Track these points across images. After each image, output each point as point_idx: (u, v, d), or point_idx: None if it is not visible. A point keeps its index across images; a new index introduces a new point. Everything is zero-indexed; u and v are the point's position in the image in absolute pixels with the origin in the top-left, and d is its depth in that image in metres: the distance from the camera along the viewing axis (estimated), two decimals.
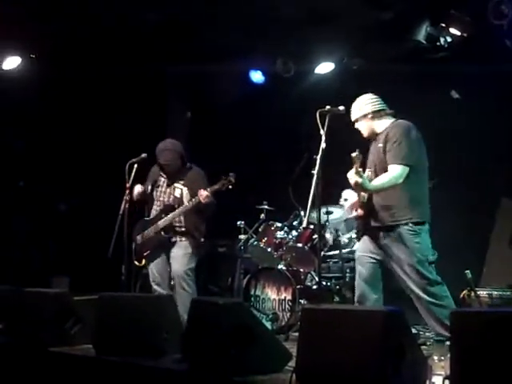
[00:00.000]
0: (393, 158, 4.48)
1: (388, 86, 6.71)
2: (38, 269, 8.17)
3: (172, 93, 8.82)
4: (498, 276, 6.14)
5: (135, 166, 5.64)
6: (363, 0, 6.52)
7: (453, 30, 6.47)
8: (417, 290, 4.40)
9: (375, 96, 4.80)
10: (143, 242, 5.75)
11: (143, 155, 5.71)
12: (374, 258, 4.62)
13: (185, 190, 5.70)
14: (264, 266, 6.37)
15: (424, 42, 6.56)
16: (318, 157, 4.45)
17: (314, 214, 4.84)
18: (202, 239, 5.77)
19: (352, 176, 4.39)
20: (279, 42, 7.39)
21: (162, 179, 5.79)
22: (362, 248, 4.71)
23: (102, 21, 6.97)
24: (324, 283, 6.12)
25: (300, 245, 6.12)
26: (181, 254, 5.61)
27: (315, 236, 6.18)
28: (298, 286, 5.98)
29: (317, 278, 6.16)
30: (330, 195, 6.78)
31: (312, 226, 6.05)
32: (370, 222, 4.61)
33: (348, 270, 6.35)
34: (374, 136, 4.77)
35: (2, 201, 8.18)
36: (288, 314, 5.91)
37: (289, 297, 5.97)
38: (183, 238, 5.65)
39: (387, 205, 4.51)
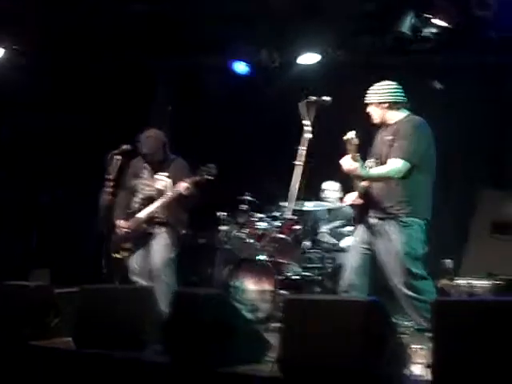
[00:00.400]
0: (396, 152, 4.40)
1: (372, 77, 6.69)
2: (18, 261, 8.09)
3: (155, 85, 8.75)
4: (477, 265, 6.16)
5: (119, 157, 5.56)
6: None
7: (437, 21, 6.45)
8: (398, 284, 4.34)
9: (397, 86, 4.63)
10: (124, 233, 5.66)
11: (124, 146, 5.63)
12: (368, 249, 4.56)
13: (169, 181, 5.59)
14: (245, 257, 6.35)
15: (408, 33, 6.53)
16: (301, 147, 4.41)
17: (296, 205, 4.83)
18: (184, 231, 5.73)
19: (346, 162, 4.29)
20: (264, 32, 7.34)
21: (146, 171, 5.72)
22: (357, 238, 4.66)
23: (89, 12, 6.90)
24: (305, 273, 6.12)
25: (282, 236, 6.11)
26: (160, 246, 5.56)
27: (297, 227, 6.20)
28: (279, 277, 5.96)
29: (298, 269, 6.17)
30: (310, 186, 6.79)
31: (294, 217, 6.03)
32: (367, 211, 4.55)
33: (329, 261, 6.35)
34: (383, 125, 4.66)
35: None
36: (268, 305, 5.88)
37: (269, 287, 5.93)
38: (163, 229, 5.59)
39: (385, 196, 4.44)
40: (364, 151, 4.63)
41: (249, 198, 6.75)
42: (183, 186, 5.39)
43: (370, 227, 4.52)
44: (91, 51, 7.63)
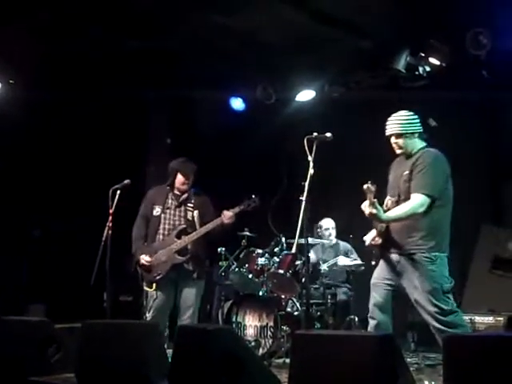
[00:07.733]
0: (416, 187, 4.35)
1: (367, 114, 6.82)
2: (13, 296, 8.02)
3: (153, 119, 8.80)
4: (478, 301, 6.19)
5: (118, 192, 5.59)
6: (344, 28, 6.60)
7: (432, 60, 6.58)
8: (428, 318, 4.29)
9: (415, 115, 4.61)
10: (154, 265, 5.49)
11: (126, 181, 5.65)
12: (390, 285, 4.49)
13: (195, 212, 5.61)
14: (245, 292, 6.35)
15: (403, 70, 6.64)
16: (307, 183, 4.45)
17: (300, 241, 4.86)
18: (208, 263, 5.72)
19: (366, 208, 4.24)
20: (259, 69, 7.44)
21: (170, 201, 5.67)
22: (378, 275, 4.58)
23: (84, 46, 6.96)
24: (305, 309, 6.12)
25: (281, 271, 6.11)
26: (196, 286, 5.50)
27: (297, 262, 6.21)
28: (280, 313, 5.97)
29: (298, 304, 6.18)
30: (312, 222, 6.83)
31: (293, 252, 6.04)
32: (388, 248, 4.50)
33: (329, 297, 6.38)
34: (406, 154, 4.57)
35: None
36: (270, 341, 5.90)
37: (270, 323, 5.96)
38: (190, 267, 5.50)
39: (407, 232, 4.39)
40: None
41: (248, 233, 6.77)
42: (228, 215, 5.42)
43: (392, 264, 4.45)
44: (87, 86, 7.68)
